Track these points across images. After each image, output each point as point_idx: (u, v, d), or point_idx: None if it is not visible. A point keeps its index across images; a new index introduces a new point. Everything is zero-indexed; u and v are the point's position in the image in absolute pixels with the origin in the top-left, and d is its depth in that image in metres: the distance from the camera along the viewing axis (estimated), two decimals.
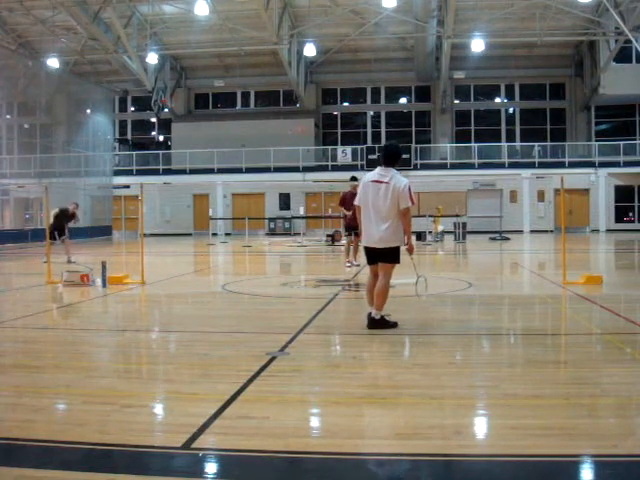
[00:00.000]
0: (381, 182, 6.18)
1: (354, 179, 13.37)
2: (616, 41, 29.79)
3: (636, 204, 33.66)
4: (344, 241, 24.34)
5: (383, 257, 6.29)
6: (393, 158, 6.33)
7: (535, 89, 37.01)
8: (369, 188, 6.27)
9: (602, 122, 36.22)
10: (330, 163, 34.78)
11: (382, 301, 6.24)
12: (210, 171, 33.84)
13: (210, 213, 29.86)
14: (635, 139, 33.96)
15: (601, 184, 32.96)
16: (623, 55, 31.29)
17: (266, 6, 27.10)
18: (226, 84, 37.77)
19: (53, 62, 30.47)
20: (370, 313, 6.31)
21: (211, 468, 3.10)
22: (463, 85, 37.08)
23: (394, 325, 6.32)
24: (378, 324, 6.22)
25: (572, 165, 32.59)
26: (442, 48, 30.95)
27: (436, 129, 37.06)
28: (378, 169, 6.34)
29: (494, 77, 36.34)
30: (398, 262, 6.32)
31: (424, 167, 33.55)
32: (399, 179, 6.18)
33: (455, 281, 10.90)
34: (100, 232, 31.25)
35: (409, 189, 6.14)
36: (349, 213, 12.82)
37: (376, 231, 6.22)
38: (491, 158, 33.80)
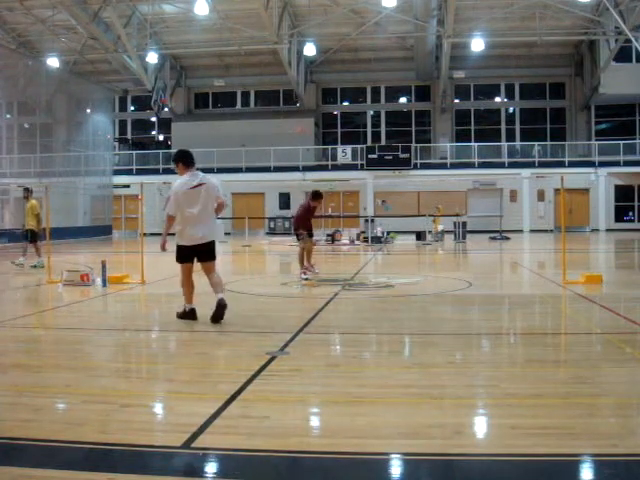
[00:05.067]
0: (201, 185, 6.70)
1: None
2: (616, 41, 29.76)
3: (636, 204, 33.65)
4: (345, 240, 24.54)
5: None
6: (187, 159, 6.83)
7: (535, 89, 36.96)
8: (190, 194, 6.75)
9: (602, 122, 36.20)
10: (330, 162, 34.76)
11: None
12: (210, 170, 33.61)
13: None
14: (635, 139, 33.95)
15: (601, 183, 32.94)
16: (623, 55, 31.24)
17: (266, 5, 27.07)
18: (226, 84, 37.73)
19: (53, 61, 30.42)
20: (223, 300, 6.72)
21: (211, 467, 3.10)
22: (463, 85, 37.03)
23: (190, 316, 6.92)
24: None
25: (572, 165, 32.57)
26: (442, 48, 30.91)
27: (436, 128, 37.03)
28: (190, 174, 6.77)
29: (494, 77, 36.31)
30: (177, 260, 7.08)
31: (424, 167, 33.53)
32: (210, 179, 6.87)
33: (455, 280, 10.89)
34: (100, 231, 31.21)
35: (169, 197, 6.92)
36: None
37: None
38: (491, 158, 33.77)
